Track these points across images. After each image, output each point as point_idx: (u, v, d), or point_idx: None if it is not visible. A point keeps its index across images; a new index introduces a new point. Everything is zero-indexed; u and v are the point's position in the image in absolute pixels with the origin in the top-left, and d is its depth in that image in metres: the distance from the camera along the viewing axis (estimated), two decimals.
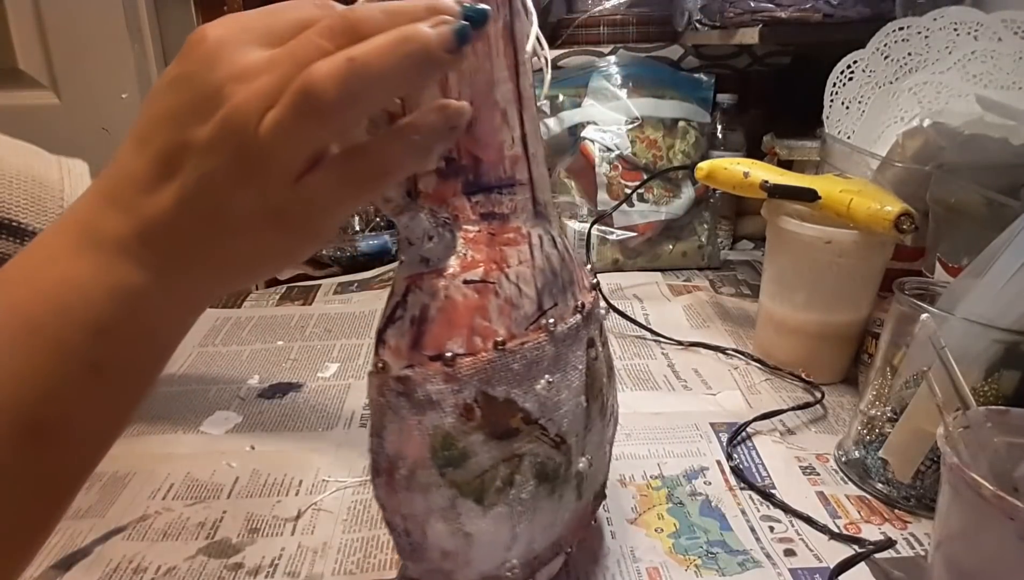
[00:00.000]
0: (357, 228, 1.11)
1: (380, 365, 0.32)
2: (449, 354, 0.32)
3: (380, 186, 0.29)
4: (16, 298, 0.27)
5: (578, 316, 0.36)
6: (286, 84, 0.25)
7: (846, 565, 0.46)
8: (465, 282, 0.33)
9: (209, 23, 0.27)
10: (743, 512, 0.52)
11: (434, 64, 0.26)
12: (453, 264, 0.33)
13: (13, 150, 0.52)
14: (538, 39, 0.34)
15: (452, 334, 0.32)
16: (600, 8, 1.14)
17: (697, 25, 1.01)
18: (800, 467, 0.57)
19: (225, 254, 0.28)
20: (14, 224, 0.49)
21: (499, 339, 0.32)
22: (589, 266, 0.44)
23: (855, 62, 0.77)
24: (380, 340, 0.33)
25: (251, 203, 0.27)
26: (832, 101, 0.78)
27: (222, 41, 0.26)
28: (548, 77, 0.42)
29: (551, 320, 0.34)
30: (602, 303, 0.43)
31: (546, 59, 0.41)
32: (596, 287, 0.40)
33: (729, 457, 0.58)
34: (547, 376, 0.33)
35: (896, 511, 0.52)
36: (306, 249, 0.30)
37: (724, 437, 0.61)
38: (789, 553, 0.48)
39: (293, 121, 0.25)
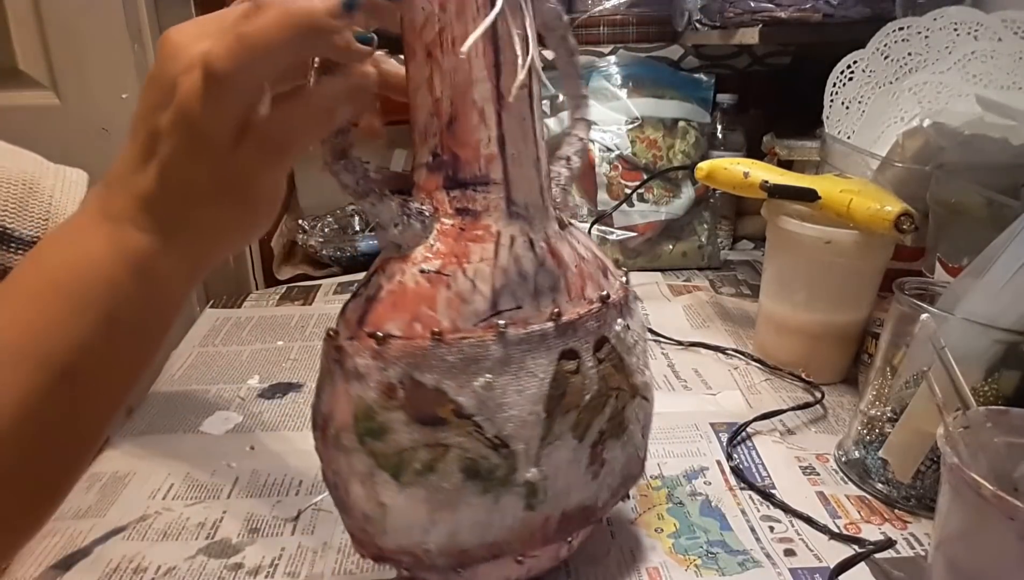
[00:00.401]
0: (357, 228, 1.11)
1: (332, 332, 0.36)
2: (381, 334, 0.34)
3: (292, 149, 0.33)
4: (45, 266, 0.33)
5: (549, 324, 0.35)
6: (205, 63, 0.30)
7: (846, 565, 0.46)
8: (421, 271, 0.35)
9: (173, 27, 0.33)
10: (743, 512, 0.52)
11: (322, 31, 0.30)
12: (419, 253, 0.35)
13: (10, 156, 0.54)
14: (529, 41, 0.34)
15: (393, 316, 0.34)
16: (600, 8, 1.14)
17: (697, 25, 1.01)
18: (800, 467, 0.57)
19: (202, 220, 0.34)
20: None
21: (437, 330, 0.33)
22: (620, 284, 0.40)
23: (855, 62, 0.77)
24: (342, 311, 0.37)
25: (206, 175, 0.32)
26: (832, 101, 0.78)
27: (179, 41, 0.32)
28: (522, 75, 0.34)
29: (504, 321, 0.34)
30: (630, 323, 0.40)
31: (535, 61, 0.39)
32: (605, 300, 0.37)
33: (729, 457, 0.58)
34: (489, 375, 0.33)
35: (896, 511, 0.52)
36: (258, 221, 0.36)
37: (724, 437, 0.61)
38: (789, 553, 0.48)
39: (205, 96, 0.30)
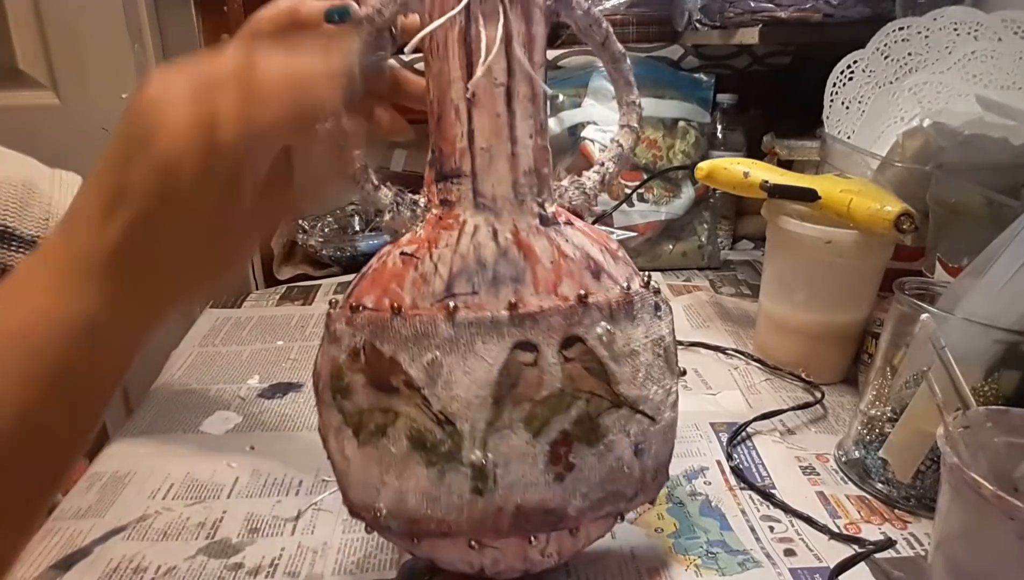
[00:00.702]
0: (357, 228, 1.11)
1: (332, 302, 0.40)
2: (356, 304, 0.38)
3: (288, 209, 0.34)
4: None
5: (504, 312, 0.36)
6: (203, 131, 0.29)
7: (846, 565, 0.46)
8: (401, 253, 0.38)
9: (154, 78, 0.30)
10: (743, 512, 0.52)
11: (331, 112, 0.31)
12: (406, 237, 0.39)
13: (7, 159, 0.54)
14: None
15: (371, 291, 0.38)
16: (600, 8, 1.14)
17: (697, 25, 1.01)
18: (800, 467, 0.57)
19: (165, 283, 0.32)
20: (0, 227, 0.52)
21: (398, 304, 0.36)
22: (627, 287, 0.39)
23: (855, 62, 0.77)
24: (348, 286, 0.40)
25: (182, 240, 0.31)
26: (832, 101, 0.78)
27: (162, 97, 0.30)
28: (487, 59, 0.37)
29: (455, 304, 0.36)
30: (624, 330, 0.38)
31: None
32: (583, 299, 0.37)
33: (729, 457, 0.58)
34: (437, 352, 0.35)
35: (896, 511, 0.52)
36: (228, 277, 0.35)
37: (724, 437, 0.61)
38: (789, 553, 0.48)
39: (198, 165, 0.29)
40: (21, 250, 0.54)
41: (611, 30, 0.43)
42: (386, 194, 0.40)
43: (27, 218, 0.54)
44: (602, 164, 0.44)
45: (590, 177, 0.43)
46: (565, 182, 0.43)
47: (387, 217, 0.40)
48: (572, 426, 0.37)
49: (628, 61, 0.43)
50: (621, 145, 0.44)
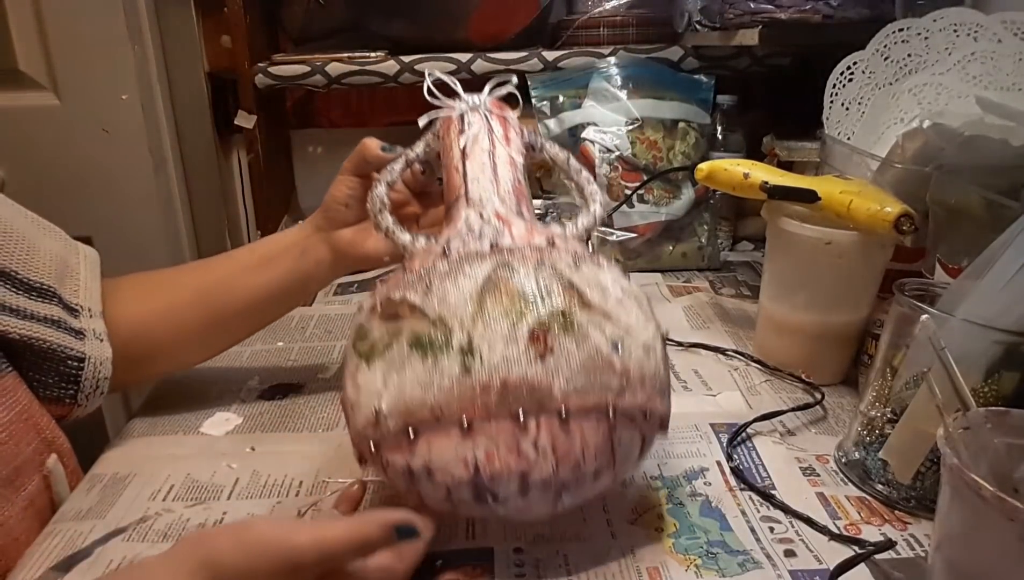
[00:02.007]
0: None
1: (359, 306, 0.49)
2: (381, 279, 0.48)
3: None
4: None
5: (487, 247, 0.46)
6: None
7: (846, 566, 0.46)
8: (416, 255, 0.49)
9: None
10: (743, 513, 0.52)
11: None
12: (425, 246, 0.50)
13: (46, 231, 0.61)
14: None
15: (393, 277, 0.47)
16: (600, 9, 1.14)
17: (697, 26, 1.01)
18: (800, 468, 0.57)
19: None
20: (46, 288, 0.57)
21: (407, 267, 0.47)
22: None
23: (855, 63, 0.77)
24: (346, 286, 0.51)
25: None
26: (832, 102, 0.78)
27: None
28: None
29: (449, 250, 0.46)
30: (591, 270, 0.46)
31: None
32: (551, 244, 0.47)
33: (729, 458, 0.58)
34: (435, 281, 0.44)
35: (896, 512, 0.52)
36: None
37: (724, 438, 0.61)
38: (789, 554, 0.48)
39: None
40: (66, 310, 0.59)
41: (570, 156, 0.57)
42: (407, 236, 0.51)
43: (67, 288, 0.59)
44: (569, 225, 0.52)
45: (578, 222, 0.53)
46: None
47: (409, 246, 0.50)
48: (548, 317, 0.42)
49: (584, 172, 0.56)
50: (595, 215, 0.53)
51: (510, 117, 0.56)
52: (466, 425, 0.41)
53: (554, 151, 0.58)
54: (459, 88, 0.55)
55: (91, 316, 0.60)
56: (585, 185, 0.56)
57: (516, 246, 0.46)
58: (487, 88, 0.56)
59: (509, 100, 0.56)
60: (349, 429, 0.46)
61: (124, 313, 0.62)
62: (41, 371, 0.56)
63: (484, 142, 0.53)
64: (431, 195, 0.65)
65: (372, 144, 0.60)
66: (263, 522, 0.40)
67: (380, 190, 0.54)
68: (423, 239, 0.51)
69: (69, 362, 0.57)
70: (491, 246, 0.46)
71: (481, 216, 0.48)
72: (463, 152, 0.53)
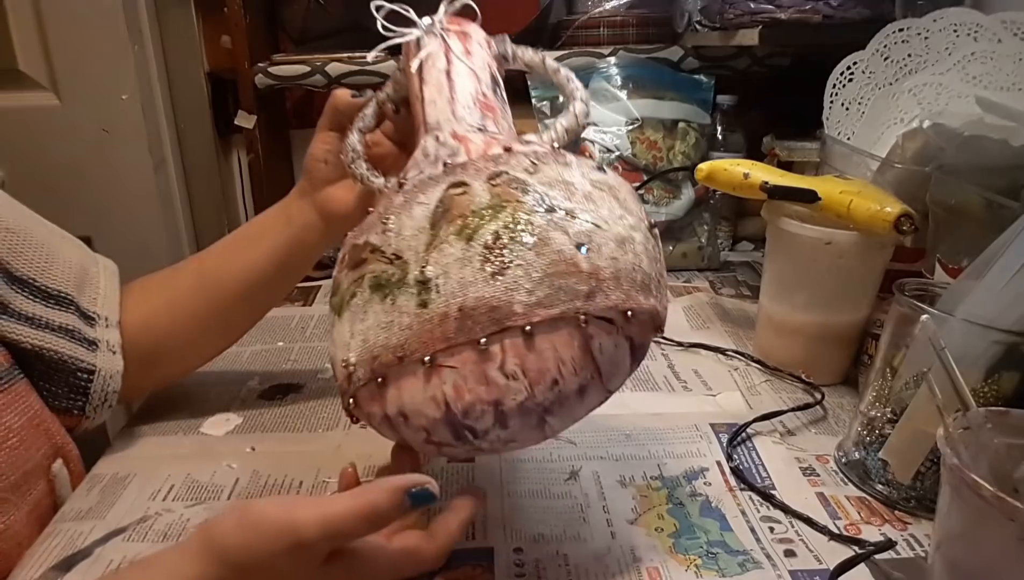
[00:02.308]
0: None
1: None
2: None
3: None
4: None
5: (439, 170, 0.43)
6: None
7: (846, 566, 0.46)
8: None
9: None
10: (743, 513, 0.52)
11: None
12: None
13: (68, 243, 0.61)
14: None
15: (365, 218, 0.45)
16: (600, 9, 1.14)
17: (697, 26, 1.01)
18: (800, 468, 0.57)
19: None
20: (64, 295, 0.57)
21: (369, 209, 0.44)
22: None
23: (855, 63, 0.77)
24: None
25: None
26: (832, 102, 0.78)
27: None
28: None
29: (404, 181, 0.44)
30: (553, 169, 0.43)
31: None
32: (508, 149, 0.44)
33: (729, 458, 0.58)
34: (392, 217, 0.42)
35: (896, 512, 0.52)
36: None
37: (724, 438, 0.61)
38: (789, 554, 0.48)
39: None
40: (85, 320, 0.59)
41: (546, 56, 0.53)
42: (380, 180, 0.50)
43: (85, 297, 0.60)
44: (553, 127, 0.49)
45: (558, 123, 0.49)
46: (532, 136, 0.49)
47: (383, 189, 0.49)
48: (502, 227, 0.39)
49: (564, 68, 0.52)
50: (575, 113, 0.50)
51: (471, 30, 0.52)
52: (428, 361, 0.38)
53: (527, 56, 0.54)
54: (412, 14, 0.51)
55: (107, 326, 0.60)
56: (565, 84, 0.51)
57: (470, 160, 0.43)
58: (442, 6, 0.51)
59: (469, 14, 0.52)
60: (334, 375, 0.44)
61: (127, 319, 0.62)
62: (51, 381, 0.56)
63: (440, 62, 0.49)
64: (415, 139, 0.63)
65: (342, 93, 0.57)
66: (266, 501, 0.38)
67: (352, 139, 0.52)
68: (395, 181, 0.48)
69: (79, 374, 0.57)
70: (444, 166, 0.43)
71: (438, 139, 0.46)
72: (420, 77, 0.50)
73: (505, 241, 0.39)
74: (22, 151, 1.17)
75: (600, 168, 0.45)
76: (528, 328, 0.38)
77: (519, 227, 0.39)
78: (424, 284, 0.39)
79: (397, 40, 0.50)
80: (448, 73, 0.49)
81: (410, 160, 0.47)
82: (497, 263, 0.38)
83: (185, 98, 1.29)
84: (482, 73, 0.50)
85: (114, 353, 0.60)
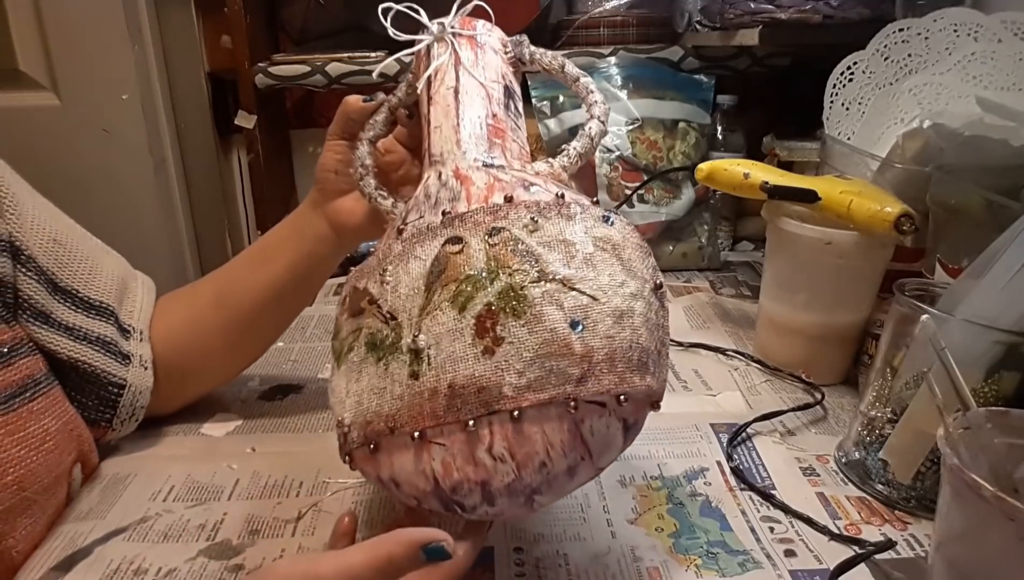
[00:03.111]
0: None
1: None
2: (352, 268, 0.45)
3: None
4: None
5: (437, 219, 0.41)
6: None
7: (846, 566, 0.46)
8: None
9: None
10: (743, 513, 0.52)
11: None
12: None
13: (111, 257, 0.63)
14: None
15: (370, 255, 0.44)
16: (600, 9, 1.14)
17: (697, 26, 1.01)
18: (800, 468, 0.57)
19: None
20: (105, 306, 0.59)
21: (373, 249, 0.44)
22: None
23: (855, 63, 0.77)
24: None
25: None
26: (832, 102, 0.78)
27: None
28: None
29: (404, 226, 0.42)
30: (553, 224, 0.40)
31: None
32: (509, 200, 0.41)
33: (729, 458, 0.58)
34: (390, 266, 0.41)
35: (896, 512, 0.52)
36: None
37: (724, 438, 0.61)
38: (789, 554, 0.48)
39: None
40: (122, 333, 0.60)
41: (566, 62, 0.51)
42: (388, 202, 0.49)
43: (125, 310, 0.61)
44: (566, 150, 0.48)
45: (571, 149, 0.48)
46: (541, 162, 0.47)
47: (389, 213, 0.48)
48: (495, 298, 0.37)
49: (584, 77, 0.51)
50: (590, 135, 0.49)
51: (486, 33, 0.49)
52: (418, 436, 0.38)
53: (546, 60, 0.51)
54: (424, 17, 0.48)
55: (141, 339, 0.61)
56: (585, 95, 0.50)
57: (469, 212, 0.41)
58: (455, 7, 0.48)
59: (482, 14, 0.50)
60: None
61: (153, 335, 0.62)
62: (83, 393, 0.57)
63: (449, 78, 0.47)
64: None
65: (353, 99, 0.55)
66: (284, 561, 0.39)
67: (362, 151, 0.50)
68: (403, 205, 0.47)
69: (110, 388, 0.58)
70: (443, 214, 0.41)
71: (440, 176, 0.44)
72: (428, 95, 0.47)
73: (498, 315, 0.37)
74: (22, 151, 1.17)
75: (606, 218, 0.42)
76: (516, 413, 0.37)
77: (512, 301, 0.37)
78: (416, 354, 0.38)
79: (406, 53, 0.48)
80: (456, 92, 0.47)
81: (413, 196, 0.45)
82: (488, 339, 0.37)
83: (185, 98, 1.29)
84: (494, 88, 0.47)
85: (145, 368, 0.60)
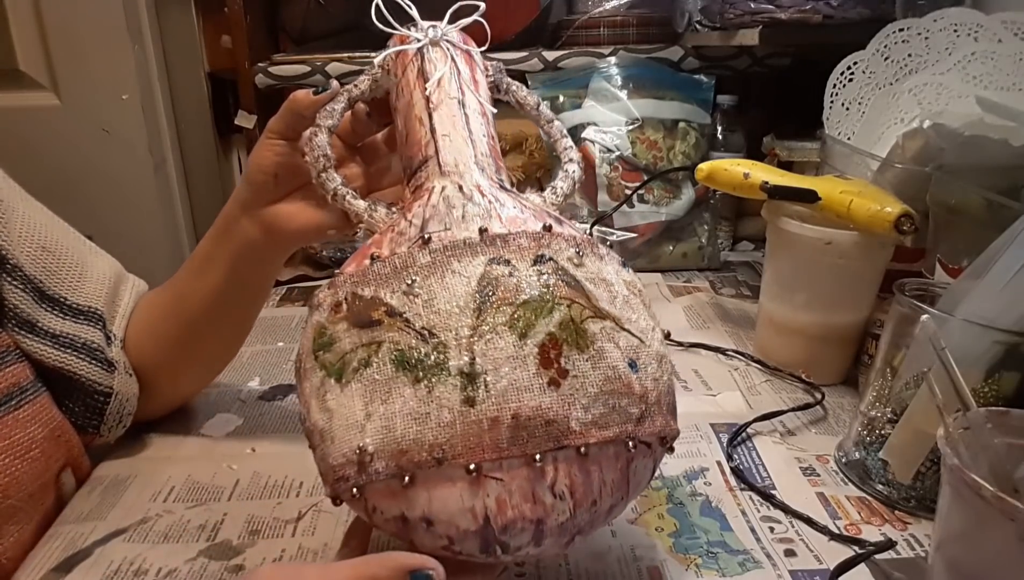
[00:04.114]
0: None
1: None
2: (339, 271, 0.40)
3: None
4: None
5: (475, 236, 0.38)
6: None
7: (846, 566, 0.46)
8: (379, 230, 0.43)
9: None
10: (743, 512, 0.52)
11: None
12: (385, 225, 0.43)
13: (104, 257, 0.62)
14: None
15: (354, 261, 0.40)
16: (600, 9, 1.14)
17: (697, 26, 1.01)
18: (800, 468, 0.57)
19: None
20: (93, 311, 0.58)
21: (376, 253, 0.39)
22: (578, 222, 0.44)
23: (855, 63, 0.77)
24: None
25: None
26: (832, 102, 0.78)
27: None
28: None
29: (429, 236, 0.38)
30: (594, 262, 0.40)
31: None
32: (548, 229, 0.39)
33: (729, 458, 0.58)
34: (416, 278, 0.37)
35: (896, 512, 0.52)
36: None
37: (724, 438, 0.61)
38: (789, 554, 0.48)
39: None
40: (107, 337, 0.58)
41: (540, 101, 0.51)
42: (361, 203, 0.45)
43: (115, 312, 0.60)
44: (554, 189, 0.47)
45: (557, 186, 0.47)
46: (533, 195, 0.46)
47: (364, 217, 0.44)
48: (558, 329, 0.36)
49: (557, 121, 0.51)
50: (573, 177, 0.48)
51: (475, 53, 0.47)
52: (474, 470, 0.34)
53: (521, 94, 0.49)
54: (415, 12, 0.45)
55: (121, 347, 0.60)
56: (559, 138, 0.49)
57: (511, 234, 0.38)
58: (448, 15, 0.46)
59: (474, 33, 0.47)
60: (317, 460, 0.39)
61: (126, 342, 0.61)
62: (70, 399, 0.56)
63: (452, 88, 0.44)
64: (375, 149, 0.54)
65: (303, 93, 0.49)
66: (270, 567, 0.37)
67: (321, 139, 0.45)
68: (383, 209, 0.44)
69: (96, 396, 0.57)
70: (480, 231, 0.38)
71: (461, 189, 0.41)
72: (428, 101, 0.44)
73: (562, 346, 0.36)
74: (22, 151, 1.17)
75: (624, 264, 0.42)
76: (583, 449, 0.36)
77: (574, 333, 0.36)
78: (471, 378, 0.35)
79: (403, 48, 0.45)
80: (461, 104, 0.44)
81: (419, 201, 0.41)
82: (555, 370, 0.35)
83: (185, 98, 1.29)
84: (489, 110, 0.45)
85: (131, 375, 0.60)
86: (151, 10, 1.21)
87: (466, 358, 0.35)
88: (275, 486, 0.56)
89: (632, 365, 0.38)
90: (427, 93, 0.43)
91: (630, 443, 0.37)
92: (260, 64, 1.13)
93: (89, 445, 0.59)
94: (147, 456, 0.61)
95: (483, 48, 0.48)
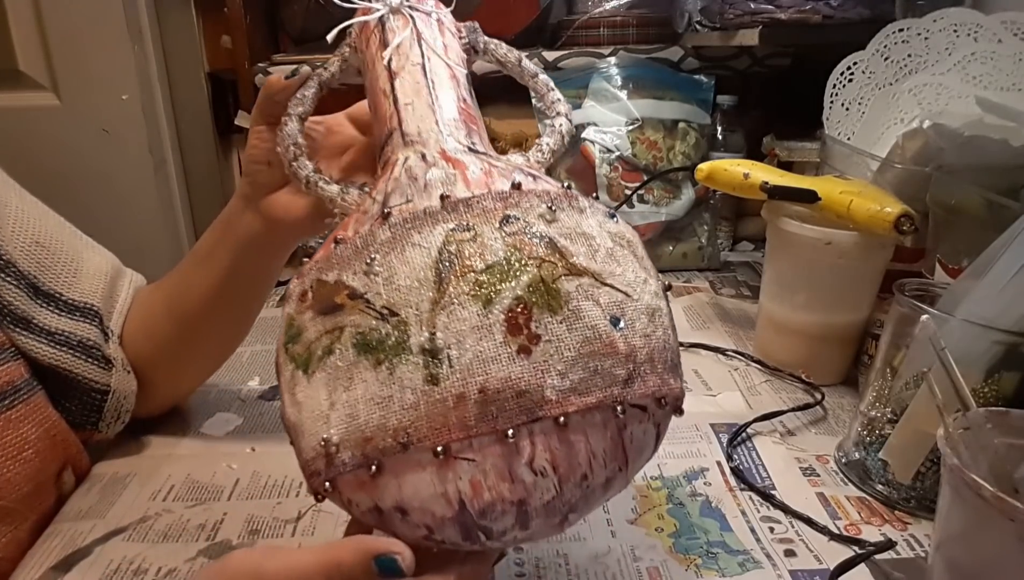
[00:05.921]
0: None
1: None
2: (306, 260, 0.38)
3: None
4: None
5: (436, 204, 0.36)
6: None
7: (846, 566, 0.46)
8: (345, 214, 0.42)
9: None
10: (743, 513, 0.52)
11: None
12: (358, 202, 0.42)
13: (100, 251, 0.62)
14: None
15: (322, 248, 0.38)
16: (600, 10, 1.14)
17: (697, 26, 1.01)
18: (800, 468, 0.57)
19: None
20: (89, 307, 0.57)
21: (340, 236, 0.37)
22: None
23: (855, 63, 0.77)
24: None
25: None
26: (832, 102, 0.78)
27: None
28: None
29: (390, 210, 0.36)
30: (569, 216, 0.37)
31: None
32: (517, 187, 0.37)
33: (729, 458, 0.58)
34: (378, 256, 0.35)
35: (896, 512, 0.52)
36: None
37: (724, 438, 0.61)
38: (789, 554, 0.48)
39: None
40: (105, 334, 0.58)
41: (522, 56, 0.48)
42: (334, 188, 0.43)
43: (111, 307, 0.60)
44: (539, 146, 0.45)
45: (543, 144, 0.45)
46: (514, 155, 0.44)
47: (340, 201, 0.43)
48: (526, 292, 0.33)
49: (542, 74, 0.48)
50: (561, 132, 0.46)
51: (444, 15, 0.45)
52: (441, 451, 0.32)
53: (501, 52, 0.47)
54: None
55: (119, 343, 0.59)
56: (545, 92, 0.46)
57: (475, 197, 0.36)
58: None
59: None
60: (297, 455, 0.37)
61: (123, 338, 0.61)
62: (67, 397, 0.56)
63: (414, 53, 0.42)
64: None
65: (276, 78, 0.48)
66: (238, 553, 0.36)
67: (292, 128, 0.44)
68: (355, 191, 0.42)
69: (93, 394, 0.57)
70: (441, 199, 0.36)
71: (424, 157, 0.39)
72: (389, 69, 0.42)
73: (531, 311, 0.33)
74: (22, 151, 1.17)
75: (612, 215, 0.39)
76: (562, 419, 0.32)
77: (545, 294, 0.33)
78: (433, 354, 0.32)
79: (358, 20, 0.44)
80: (425, 69, 0.42)
81: (384, 175, 0.39)
82: (523, 337, 0.32)
83: (185, 98, 1.29)
84: (460, 72, 0.43)
85: (128, 372, 0.59)
86: (151, 10, 1.21)
87: (427, 334, 0.33)
88: (275, 486, 0.56)
89: (615, 322, 0.34)
90: (386, 61, 0.42)
91: (618, 408, 0.34)
92: (260, 64, 1.13)
93: (87, 441, 0.59)
94: (146, 455, 0.61)
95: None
